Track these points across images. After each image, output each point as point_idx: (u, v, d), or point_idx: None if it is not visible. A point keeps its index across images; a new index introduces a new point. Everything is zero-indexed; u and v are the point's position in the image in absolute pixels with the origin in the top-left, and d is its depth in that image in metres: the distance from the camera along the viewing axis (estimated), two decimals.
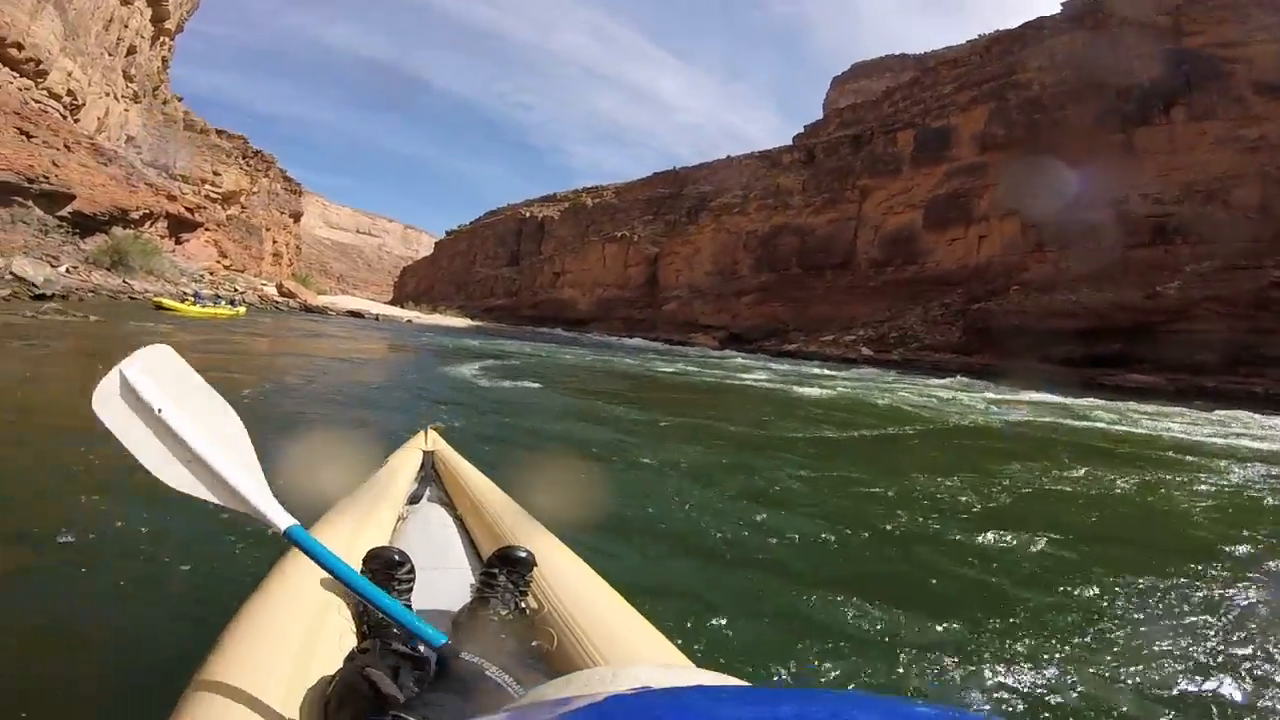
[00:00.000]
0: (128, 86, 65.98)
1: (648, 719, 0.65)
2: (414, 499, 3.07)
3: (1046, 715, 2.85)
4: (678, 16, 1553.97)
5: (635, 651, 1.76)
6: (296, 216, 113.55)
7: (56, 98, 52.28)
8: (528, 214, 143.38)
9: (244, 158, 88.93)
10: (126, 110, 66.86)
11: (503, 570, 2.01)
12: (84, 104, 56.52)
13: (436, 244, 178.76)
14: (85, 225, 48.04)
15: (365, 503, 2.65)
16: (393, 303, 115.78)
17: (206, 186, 79.11)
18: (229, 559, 3.45)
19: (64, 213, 46.57)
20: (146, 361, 1.85)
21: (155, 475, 1.71)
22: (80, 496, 4.12)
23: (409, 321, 61.68)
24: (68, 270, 37.11)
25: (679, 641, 1.93)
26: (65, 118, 53.31)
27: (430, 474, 3.34)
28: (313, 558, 1.61)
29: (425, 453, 3.48)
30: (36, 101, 49.58)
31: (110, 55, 60.93)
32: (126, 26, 62.54)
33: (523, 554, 2.05)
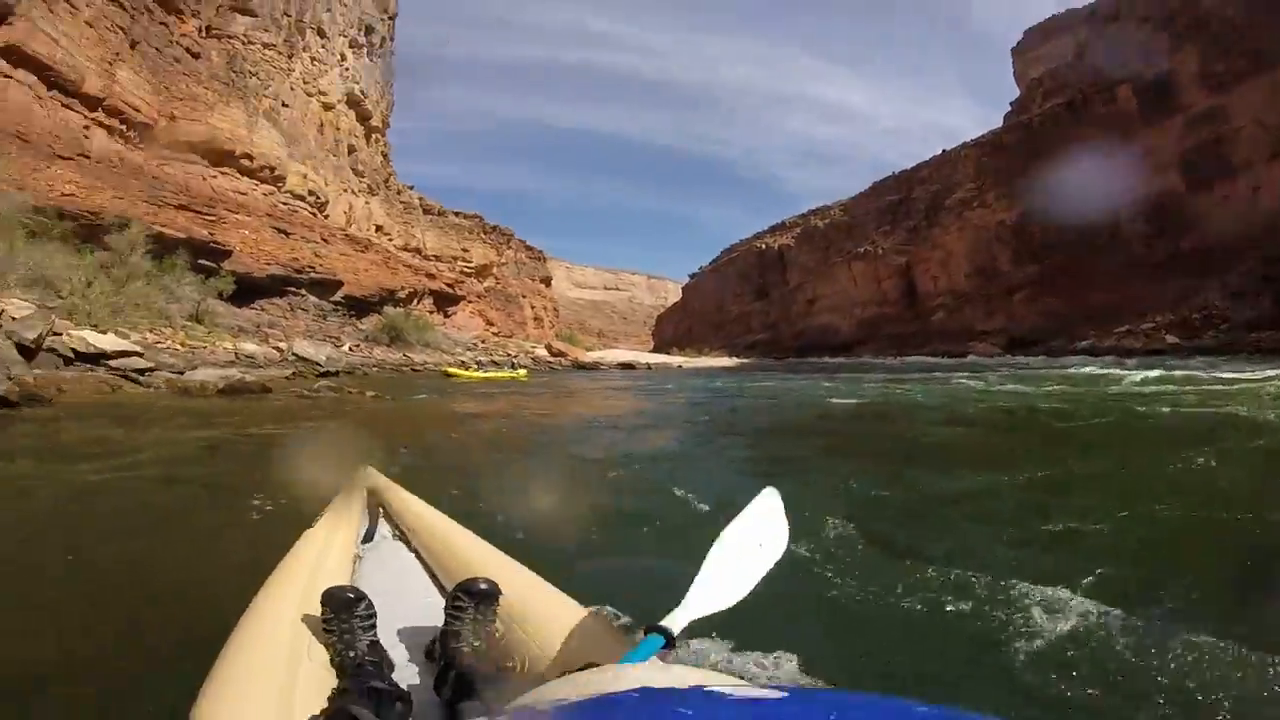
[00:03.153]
0: (360, 181, 68.89)
1: (647, 718, 0.65)
2: (367, 537, 3.04)
3: None
4: (834, 30, 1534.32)
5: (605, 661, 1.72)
6: (546, 281, 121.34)
7: (300, 198, 55.18)
8: (763, 246, 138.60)
9: (484, 233, 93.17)
10: (367, 203, 69.92)
11: (469, 602, 1.96)
12: (327, 201, 59.72)
13: (683, 289, 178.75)
14: (358, 307, 53.08)
15: (317, 547, 2.56)
16: (655, 350, 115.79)
17: (459, 263, 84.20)
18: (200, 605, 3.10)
19: (337, 298, 51.75)
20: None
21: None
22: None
23: (679, 367, 61.49)
24: (350, 349, 40.36)
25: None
26: (315, 214, 56.47)
27: (377, 511, 3.20)
28: None
29: (367, 490, 3.23)
30: (284, 204, 52.62)
31: (334, 156, 64.07)
32: (338, 129, 65.56)
33: (484, 585, 2.01)
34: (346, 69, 67.31)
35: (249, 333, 36.45)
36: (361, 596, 1.98)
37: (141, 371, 17.07)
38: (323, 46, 63.48)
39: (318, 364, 28.84)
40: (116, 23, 41.10)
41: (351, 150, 68.04)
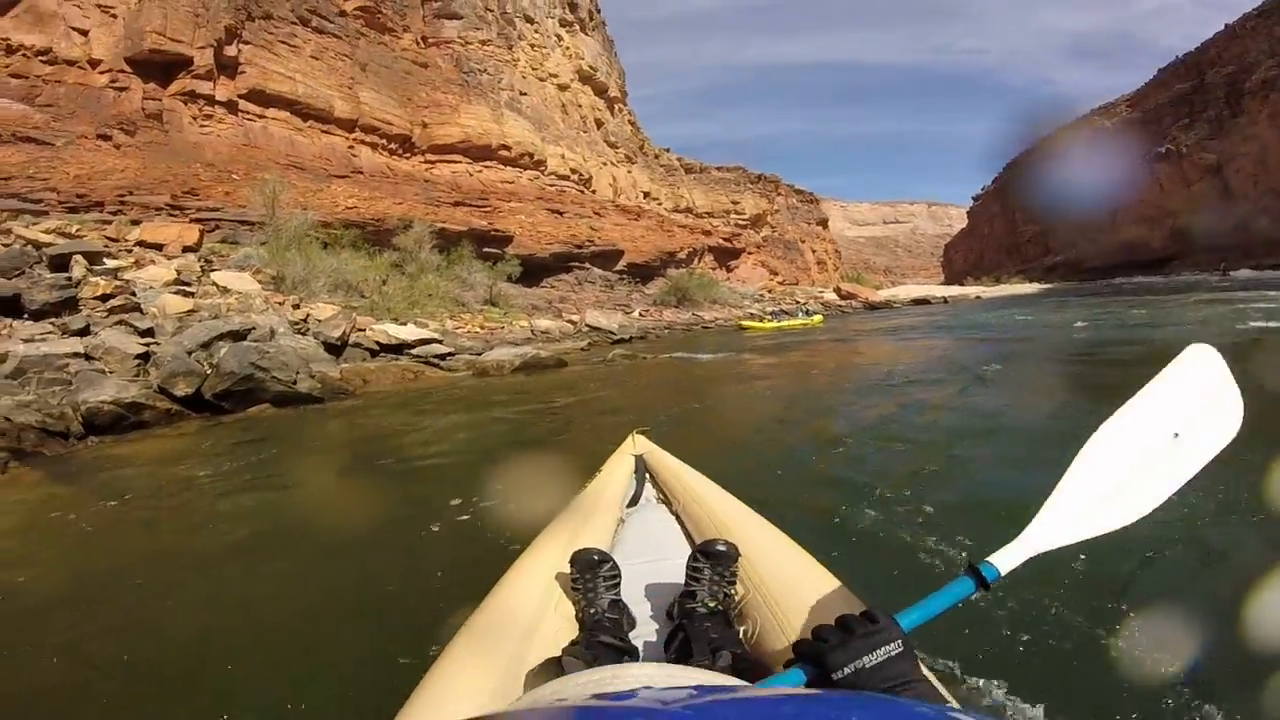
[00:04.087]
0: (616, 152, 69.62)
1: (648, 718, 0.66)
2: (633, 501, 3.13)
3: None
4: None
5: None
6: (823, 223, 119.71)
7: (564, 178, 56.08)
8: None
9: (751, 184, 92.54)
10: (629, 172, 70.70)
11: (705, 563, 1.98)
12: (590, 177, 60.62)
13: (968, 214, 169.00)
14: (641, 273, 55.37)
15: (583, 511, 2.71)
16: (946, 282, 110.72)
17: (731, 216, 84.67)
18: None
19: (620, 267, 53.69)
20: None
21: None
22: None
23: (977, 298, 59.40)
24: (640, 314, 41.80)
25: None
26: (582, 191, 57.78)
27: (644, 476, 3.34)
28: None
29: (636, 457, 3.46)
30: (551, 185, 53.83)
31: (584, 132, 64.65)
32: (580, 106, 65.95)
33: (722, 547, 2.01)
34: (566, 48, 67.52)
35: (542, 310, 37.51)
36: (606, 558, 2.01)
37: (442, 357, 18.20)
38: (536, 32, 63.83)
39: (611, 332, 30.35)
40: (339, 51, 42.56)
41: (599, 124, 68.60)
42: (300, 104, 38.37)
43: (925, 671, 1.27)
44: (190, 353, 11.36)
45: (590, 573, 1.97)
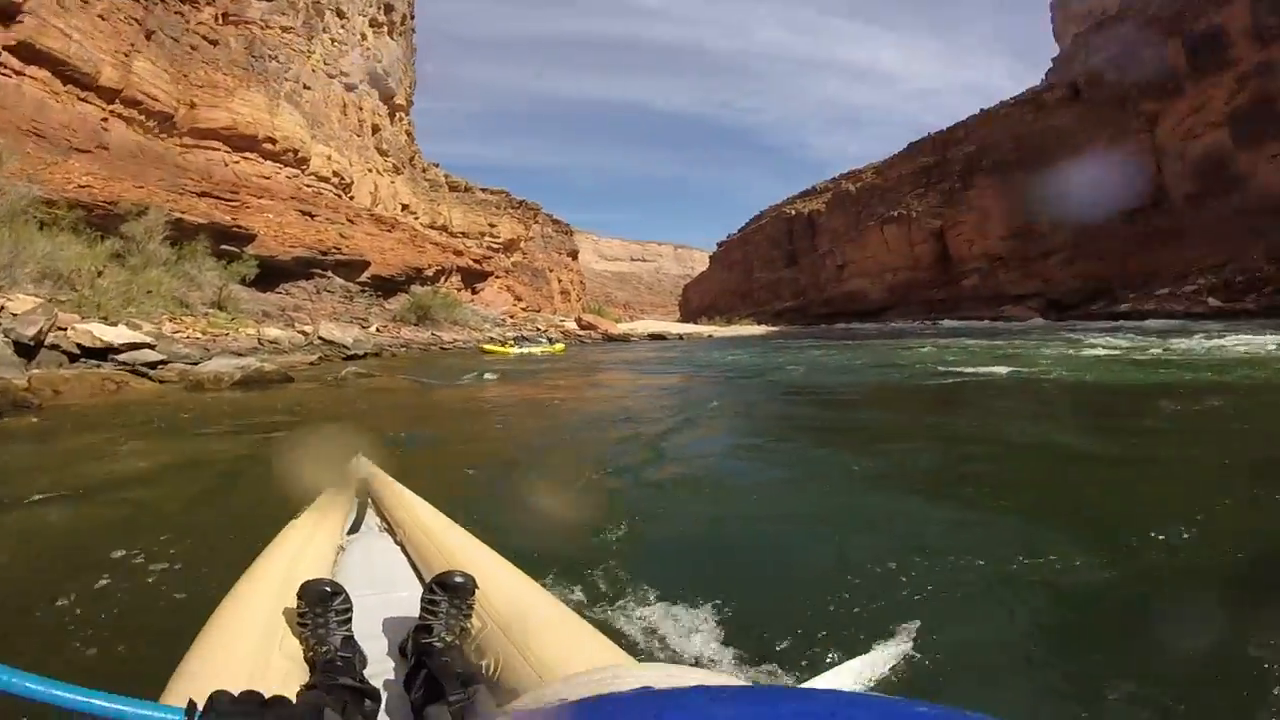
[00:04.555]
0: (385, 161, 69.10)
1: (647, 719, 0.66)
2: (354, 528, 3.01)
3: None
4: None
5: (575, 659, 1.71)
6: (573, 254, 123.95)
7: (325, 180, 55.48)
8: (793, 211, 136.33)
9: (511, 208, 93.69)
10: (392, 182, 70.06)
11: (443, 595, 1.92)
12: (352, 182, 60.02)
13: (710, 258, 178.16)
14: (385, 287, 53.41)
15: (301, 536, 2.53)
16: (681, 320, 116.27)
17: (486, 239, 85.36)
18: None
19: (363, 279, 51.96)
20: None
21: None
22: None
23: (709, 336, 62.53)
24: (377, 329, 40.58)
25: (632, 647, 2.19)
26: (340, 196, 56.94)
27: (366, 501, 3.21)
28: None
29: (358, 479, 3.31)
30: (309, 186, 52.96)
31: (358, 136, 64.20)
32: (360, 109, 65.48)
33: (460, 579, 1.95)
34: (368, 49, 67.18)
35: (274, 317, 36.28)
36: (339, 591, 1.92)
37: (152, 365, 16.29)
38: (342, 27, 63.46)
39: (344, 346, 29.11)
40: (130, 14, 40.80)
41: (375, 130, 68.12)
42: (67, 65, 36.33)
43: None
44: None
45: (321, 606, 1.86)
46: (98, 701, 1.16)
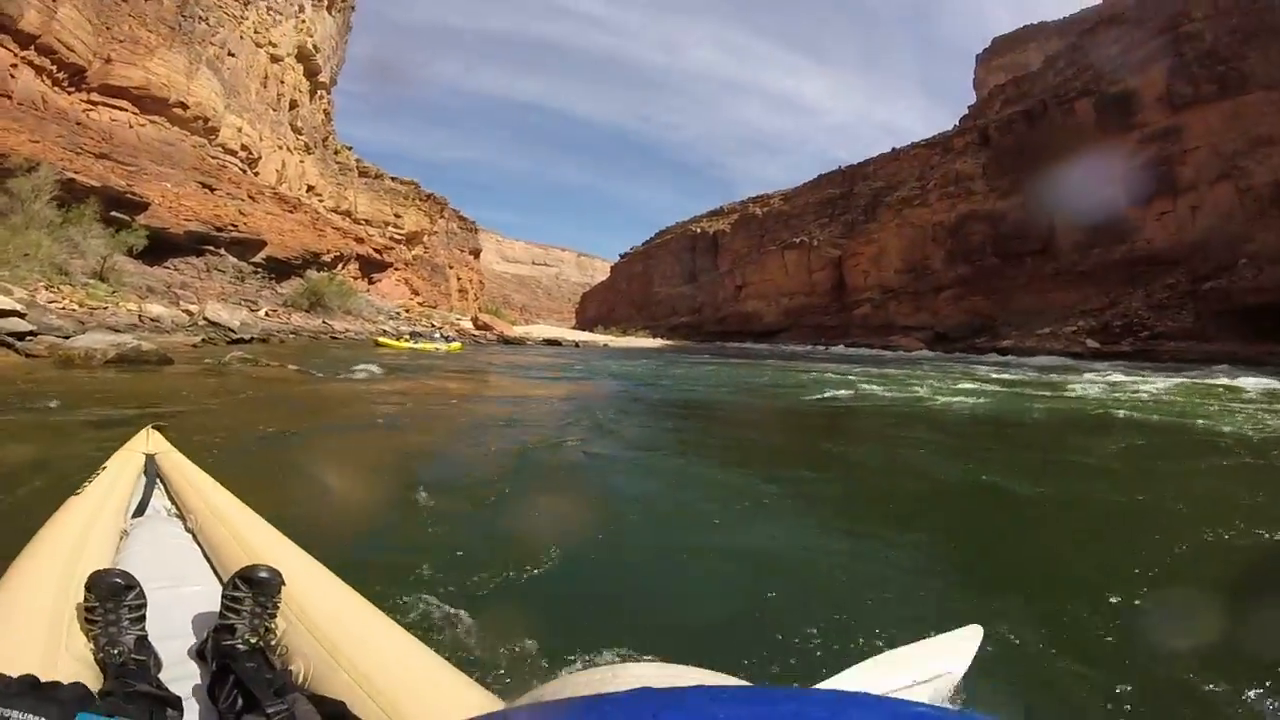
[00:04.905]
0: (298, 139, 67.83)
1: (646, 718, 0.65)
2: (139, 510, 2.70)
3: None
4: (800, 18, 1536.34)
5: (392, 665, 1.66)
6: (476, 253, 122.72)
7: (232, 153, 54.18)
8: (698, 230, 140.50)
9: (419, 200, 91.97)
10: (302, 161, 68.76)
11: (247, 592, 1.78)
12: (260, 157, 58.67)
13: (612, 268, 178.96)
14: (279, 270, 51.51)
15: (83, 517, 2.31)
16: (576, 328, 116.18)
17: (389, 229, 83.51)
18: None
19: (258, 259, 49.88)
20: None
21: None
22: None
23: (605, 345, 62.39)
24: (266, 314, 38.98)
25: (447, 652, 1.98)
26: (245, 171, 55.53)
27: (154, 481, 2.91)
28: None
29: (146, 456, 3.04)
30: (214, 157, 51.44)
31: (274, 110, 62.79)
32: (283, 83, 64.31)
33: (265, 573, 1.81)
34: (303, 21, 65.95)
35: (159, 293, 35.06)
36: (132, 584, 1.77)
37: (19, 335, 15.46)
38: None
39: (231, 329, 28.20)
40: None
41: (294, 106, 66.89)
42: None
43: None
44: None
45: (113, 601, 1.70)
46: None
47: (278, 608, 1.82)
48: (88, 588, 1.74)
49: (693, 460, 8.86)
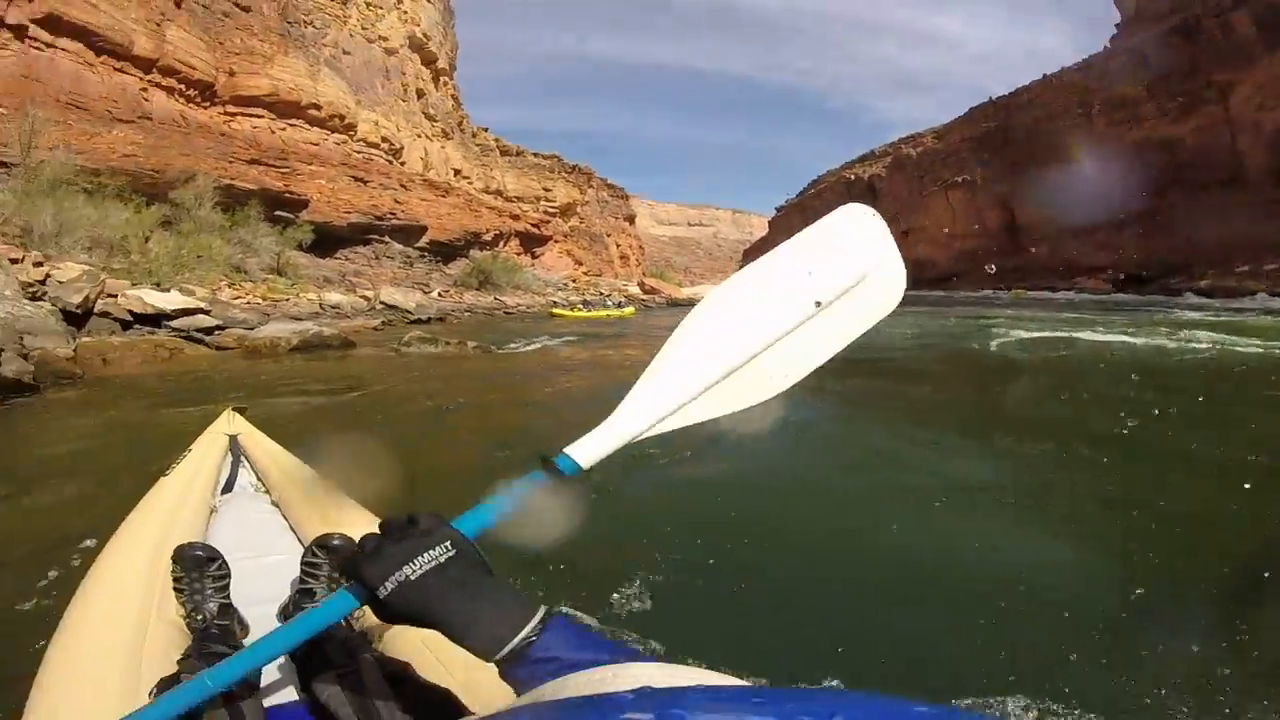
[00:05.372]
0: (433, 126, 67.86)
1: (647, 718, 0.64)
2: (226, 487, 2.84)
3: None
4: None
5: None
6: (630, 219, 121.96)
7: (374, 146, 54.57)
8: (852, 176, 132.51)
9: (564, 173, 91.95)
10: (443, 147, 68.78)
11: (324, 558, 1.85)
12: (402, 148, 58.93)
13: (769, 222, 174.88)
14: (444, 252, 54.59)
15: (173, 496, 2.48)
16: None
17: (541, 203, 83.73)
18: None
19: (421, 244, 52.92)
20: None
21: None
22: None
23: None
24: (439, 294, 40.36)
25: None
26: (391, 162, 56.15)
27: (239, 460, 3.05)
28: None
29: (229, 436, 3.17)
30: (358, 152, 52.21)
31: (403, 101, 63.00)
32: (404, 74, 64.25)
33: (338, 541, 1.87)
34: (404, 12, 65.57)
35: (334, 283, 36.49)
36: (215, 555, 1.84)
37: (208, 330, 16.08)
38: None
39: (408, 311, 28.89)
40: None
41: (420, 95, 66.77)
42: (98, 36, 34.89)
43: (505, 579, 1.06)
44: None
45: (197, 572, 1.79)
46: None
47: None
48: (174, 560, 1.83)
49: (895, 430, 7.79)
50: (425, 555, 0.94)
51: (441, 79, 72.30)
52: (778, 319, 1.34)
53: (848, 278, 1.40)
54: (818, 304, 1.35)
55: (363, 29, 58.56)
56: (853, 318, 1.39)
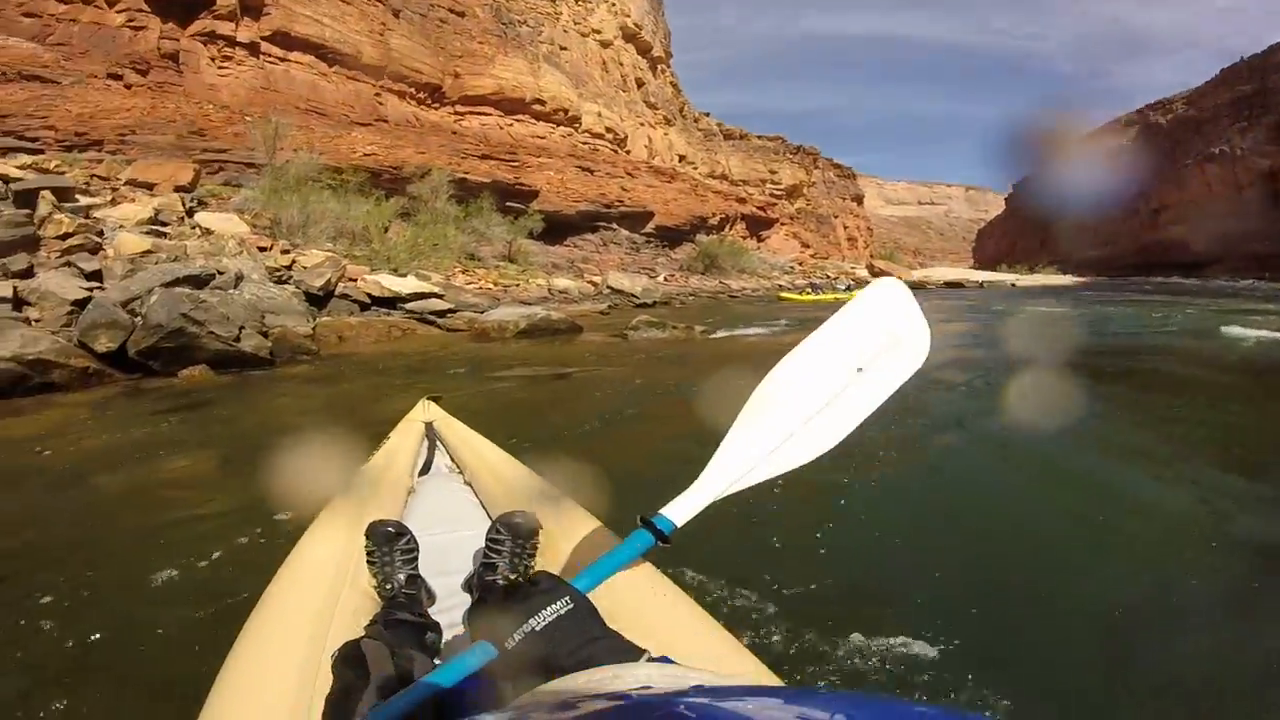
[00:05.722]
0: (655, 114, 68.22)
1: (647, 717, 0.66)
2: (424, 470, 3.02)
3: None
4: None
5: (641, 609, 1.71)
6: (858, 199, 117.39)
7: (599, 136, 55.48)
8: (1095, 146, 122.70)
9: (789, 154, 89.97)
10: (666, 134, 69.18)
11: (506, 535, 1.92)
12: (625, 137, 59.84)
13: (1006, 199, 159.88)
14: (670, 237, 54.01)
15: (371, 480, 2.63)
16: (975, 267, 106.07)
17: (767, 186, 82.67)
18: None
19: (648, 229, 52.48)
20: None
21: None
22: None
23: (1012, 285, 57.72)
24: (665, 279, 40.49)
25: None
26: (616, 151, 57.18)
27: (435, 445, 3.22)
28: None
29: (426, 424, 3.34)
30: (584, 143, 53.27)
31: (624, 91, 63.59)
32: (621, 64, 64.77)
33: (520, 519, 1.94)
34: (612, 4, 65.87)
35: (563, 269, 36.81)
36: (403, 531, 1.96)
37: (440, 313, 16.47)
38: None
39: (634, 295, 28.77)
40: None
41: (640, 84, 67.28)
42: (327, 48, 37.46)
43: (614, 629, 1.23)
44: (130, 301, 9.63)
45: (387, 546, 1.90)
46: None
47: (536, 549, 1.93)
48: (366, 535, 1.92)
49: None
50: (548, 609, 1.10)
51: (659, 67, 72.57)
52: (826, 385, 1.61)
53: (882, 342, 1.67)
54: (859, 370, 1.63)
55: (575, 24, 59.42)
56: (888, 377, 1.63)
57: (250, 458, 4.96)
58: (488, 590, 1.81)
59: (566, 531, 2.07)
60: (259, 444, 5.26)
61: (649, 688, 0.75)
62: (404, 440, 3.12)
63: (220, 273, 12.59)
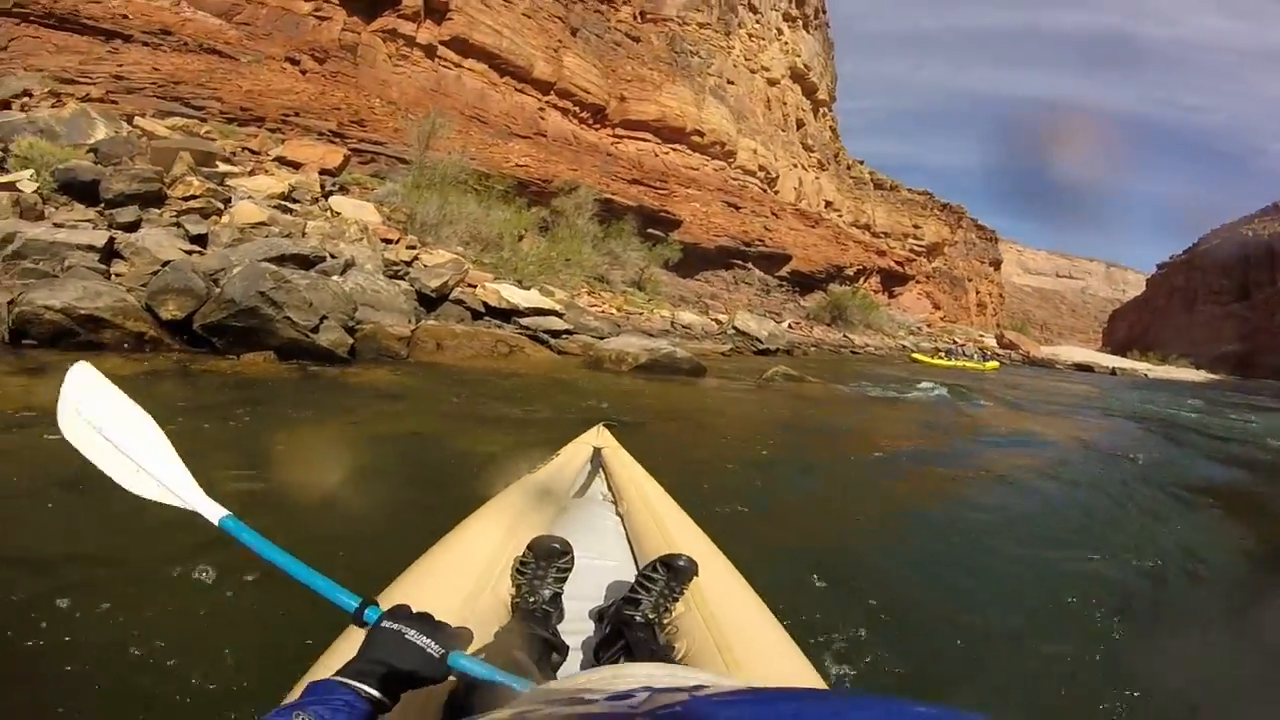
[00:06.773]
0: (810, 156, 67.34)
1: (648, 717, 0.66)
2: (580, 491, 3.14)
3: None
4: None
5: (770, 669, 1.73)
6: (996, 264, 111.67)
7: (750, 173, 54.71)
8: (1250, 234, 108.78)
9: (936, 210, 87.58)
10: (817, 178, 68.19)
11: (663, 574, 1.93)
12: (777, 176, 58.92)
13: (1147, 281, 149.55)
14: (803, 283, 53.86)
15: (531, 491, 2.68)
16: (1104, 350, 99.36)
17: (909, 240, 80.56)
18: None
19: (782, 273, 52.54)
20: (74, 384, 1.78)
21: (122, 486, 1.67)
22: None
23: (1145, 375, 54.34)
24: (790, 325, 39.14)
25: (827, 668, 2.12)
26: (765, 190, 56.31)
27: (597, 470, 3.34)
28: (244, 544, 1.49)
29: (595, 449, 3.44)
30: (735, 179, 52.63)
31: (783, 131, 62.77)
32: (785, 104, 63.99)
33: (684, 562, 1.94)
34: (785, 43, 65.41)
35: (690, 303, 36.60)
36: (567, 550, 1.95)
37: (555, 333, 15.43)
38: (757, 22, 62.07)
39: (758, 339, 27.65)
40: (553, 13, 42.28)
41: (800, 125, 66.29)
42: (500, 59, 37.90)
43: None
44: (219, 271, 9.17)
45: (546, 562, 1.90)
46: (302, 570, 1.39)
47: (684, 593, 1.91)
48: (529, 547, 1.93)
49: None
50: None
51: (821, 110, 71.57)
52: None
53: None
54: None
55: (745, 60, 59.13)
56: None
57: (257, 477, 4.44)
58: (625, 624, 1.78)
59: (713, 581, 2.01)
60: (281, 469, 4.72)
61: (650, 687, 0.75)
62: (570, 460, 3.19)
63: (332, 256, 12.10)
